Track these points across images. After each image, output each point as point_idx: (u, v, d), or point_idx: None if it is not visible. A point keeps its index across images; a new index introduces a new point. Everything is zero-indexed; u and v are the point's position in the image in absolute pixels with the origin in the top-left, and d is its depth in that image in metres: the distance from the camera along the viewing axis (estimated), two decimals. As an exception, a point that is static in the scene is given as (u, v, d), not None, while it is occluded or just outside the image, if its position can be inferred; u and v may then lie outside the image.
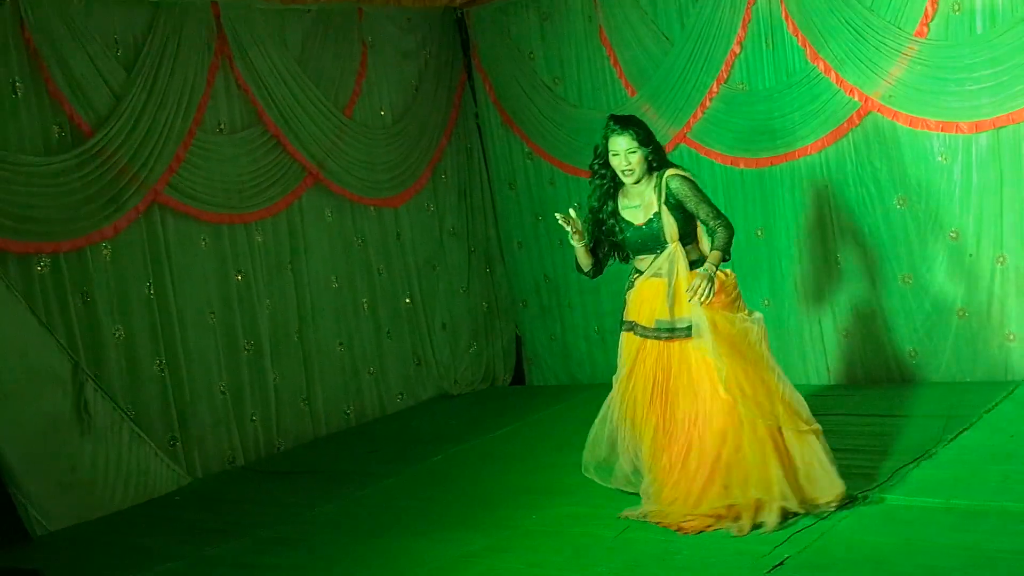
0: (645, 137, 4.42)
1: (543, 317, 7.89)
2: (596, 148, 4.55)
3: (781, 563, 3.86)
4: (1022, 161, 5.81)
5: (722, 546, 4.12)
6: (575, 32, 7.28)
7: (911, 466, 4.66)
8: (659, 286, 4.46)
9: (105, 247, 5.82)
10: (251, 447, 6.49)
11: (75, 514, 5.55)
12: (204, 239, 6.32)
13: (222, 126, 6.39)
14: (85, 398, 5.59)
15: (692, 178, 4.46)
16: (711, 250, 4.36)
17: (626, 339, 4.60)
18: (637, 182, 4.47)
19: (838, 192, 6.36)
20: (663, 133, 6.82)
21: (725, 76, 6.61)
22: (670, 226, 4.42)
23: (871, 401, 5.94)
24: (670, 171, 4.46)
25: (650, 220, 4.46)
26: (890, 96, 6.03)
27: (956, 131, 5.91)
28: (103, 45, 5.83)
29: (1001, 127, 5.78)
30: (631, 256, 4.64)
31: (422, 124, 7.56)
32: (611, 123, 4.46)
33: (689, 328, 4.36)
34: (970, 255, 6.03)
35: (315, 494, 5.58)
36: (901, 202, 6.21)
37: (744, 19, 6.48)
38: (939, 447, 4.93)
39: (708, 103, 6.68)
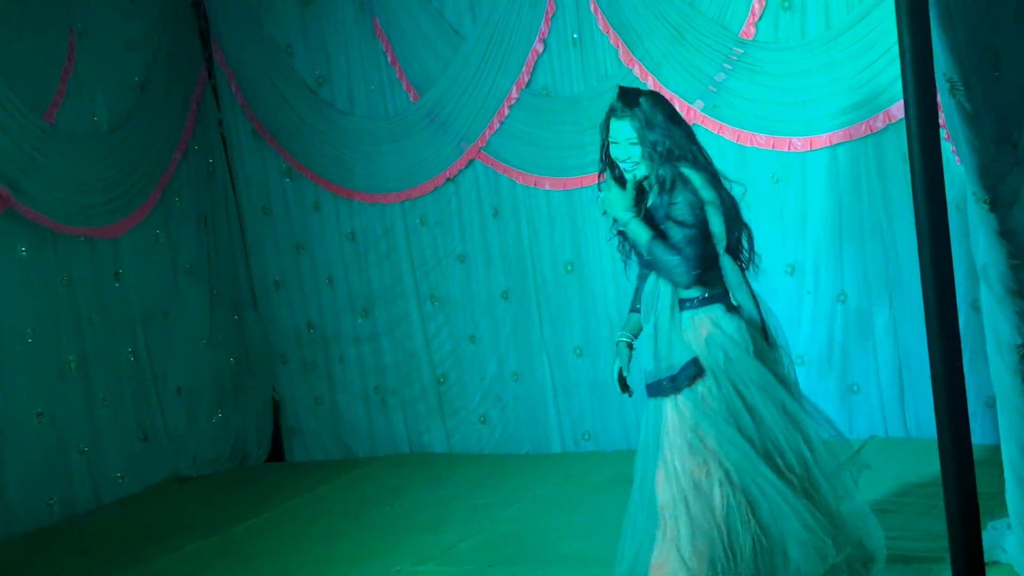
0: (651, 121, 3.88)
1: (307, 375, 7.63)
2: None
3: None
4: (862, 184, 5.89)
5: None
6: (344, 23, 7.11)
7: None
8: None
9: None
10: (-80, 549, 5.96)
11: None
12: None
13: None
14: None
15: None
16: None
17: None
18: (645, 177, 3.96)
19: (658, 218, 6.32)
20: (454, 146, 6.85)
21: (527, 79, 6.61)
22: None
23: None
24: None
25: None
26: (714, 106, 6.06)
27: (789, 148, 5.97)
28: None
29: (838, 144, 5.86)
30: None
31: (149, 133, 7.20)
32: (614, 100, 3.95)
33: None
34: (808, 292, 6.08)
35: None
36: (730, 230, 6.26)
37: (547, 12, 6.48)
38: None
39: (507, 111, 6.68)
